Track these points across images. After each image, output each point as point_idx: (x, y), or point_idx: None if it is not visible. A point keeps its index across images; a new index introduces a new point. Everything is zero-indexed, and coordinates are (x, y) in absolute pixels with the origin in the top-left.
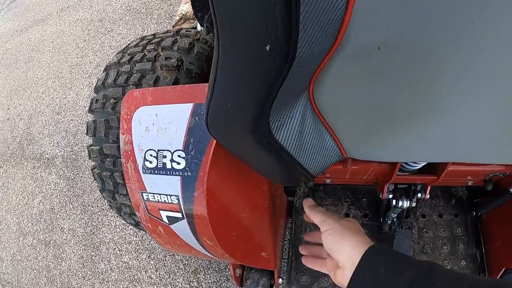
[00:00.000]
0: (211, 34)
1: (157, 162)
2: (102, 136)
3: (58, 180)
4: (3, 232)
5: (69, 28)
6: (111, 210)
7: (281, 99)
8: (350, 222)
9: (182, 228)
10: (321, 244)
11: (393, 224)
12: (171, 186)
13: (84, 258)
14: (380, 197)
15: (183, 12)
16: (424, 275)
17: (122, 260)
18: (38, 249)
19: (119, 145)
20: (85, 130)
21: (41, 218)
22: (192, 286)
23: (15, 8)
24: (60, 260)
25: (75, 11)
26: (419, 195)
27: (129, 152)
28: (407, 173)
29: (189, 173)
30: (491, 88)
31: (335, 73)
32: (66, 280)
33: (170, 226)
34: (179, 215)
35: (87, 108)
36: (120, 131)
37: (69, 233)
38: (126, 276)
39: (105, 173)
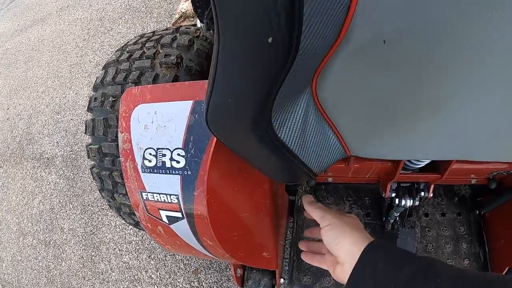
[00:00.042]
0: (211, 31)
1: (157, 160)
2: (101, 135)
3: (58, 180)
4: (3, 232)
5: (68, 28)
6: (111, 210)
7: (284, 95)
8: (350, 217)
9: (182, 228)
10: (321, 240)
11: (396, 223)
12: (170, 185)
13: (84, 258)
14: (383, 195)
15: (183, 10)
16: (424, 270)
17: (122, 260)
18: (38, 249)
19: (118, 144)
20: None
21: (41, 218)
22: (192, 286)
23: (14, 8)
24: (60, 260)
25: (75, 10)
26: (422, 193)
27: (128, 151)
28: (410, 172)
29: (189, 172)
30: (497, 84)
31: (339, 68)
32: (66, 280)
33: (170, 226)
34: (179, 214)
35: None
36: (119, 129)
37: (69, 233)
38: (126, 276)
39: (104, 173)
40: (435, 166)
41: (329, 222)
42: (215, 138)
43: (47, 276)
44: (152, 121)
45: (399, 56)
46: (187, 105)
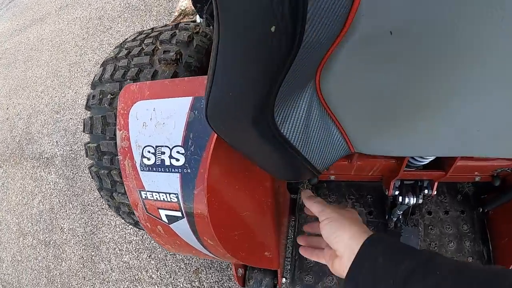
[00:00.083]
0: (211, 27)
1: (155, 158)
2: (99, 133)
3: (57, 180)
4: (3, 232)
5: (67, 27)
6: (110, 209)
7: (286, 88)
8: (349, 211)
9: (182, 228)
10: (319, 235)
11: (399, 222)
12: (170, 183)
13: (84, 258)
14: (386, 193)
15: (182, 8)
16: (423, 265)
17: (122, 260)
18: (38, 250)
19: (116, 142)
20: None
21: (41, 218)
22: (193, 286)
23: (13, 8)
24: (60, 260)
25: (74, 9)
26: (426, 191)
27: (126, 149)
28: (413, 169)
29: (189, 170)
30: (503, 79)
31: (343, 61)
32: (67, 281)
33: (170, 225)
34: (178, 214)
35: None
36: (117, 127)
37: (69, 233)
38: (126, 276)
39: (102, 171)
40: (439, 163)
41: (328, 216)
42: (216, 135)
43: (47, 276)
44: (151, 118)
45: (406, 48)
46: (187, 101)
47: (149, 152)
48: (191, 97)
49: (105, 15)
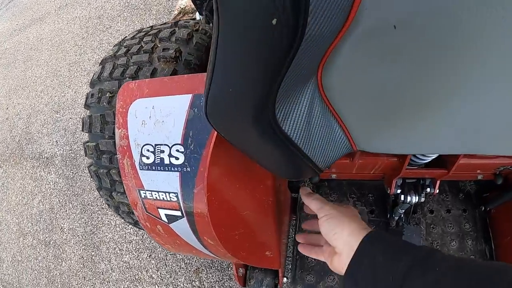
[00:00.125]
0: (211, 24)
1: (155, 157)
2: (98, 132)
3: (57, 179)
4: (3, 232)
5: (67, 26)
6: (109, 209)
7: (288, 84)
8: (347, 208)
9: (182, 227)
10: (318, 232)
11: (401, 220)
12: (169, 182)
13: (85, 258)
14: (388, 192)
15: (182, 6)
16: (422, 261)
17: (122, 259)
18: (38, 250)
19: (115, 141)
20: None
21: (40, 218)
22: (194, 286)
23: (13, 8)
24: (60, 260)
25: (73, 8)
26: (428, 189)
27: (125, 148)
28: (415, 167)
29: (189, 169)
30: (510, 74)
31: (346, 55)
32: (67, 281)
33: (169, 225)
34: (178, 213)
35: None
36: (116, 125)
37: (69, 233)
38: (127, 276)
39: (101, 171)
40: (441, 162)
41: (327, 213)
42: (216, 133)
43: (47, 276)
44: (150, 116)
45: (409, 42)
46: (186, 99)
47: (148, 150)
48: (191, 95)
49: (105, 14)
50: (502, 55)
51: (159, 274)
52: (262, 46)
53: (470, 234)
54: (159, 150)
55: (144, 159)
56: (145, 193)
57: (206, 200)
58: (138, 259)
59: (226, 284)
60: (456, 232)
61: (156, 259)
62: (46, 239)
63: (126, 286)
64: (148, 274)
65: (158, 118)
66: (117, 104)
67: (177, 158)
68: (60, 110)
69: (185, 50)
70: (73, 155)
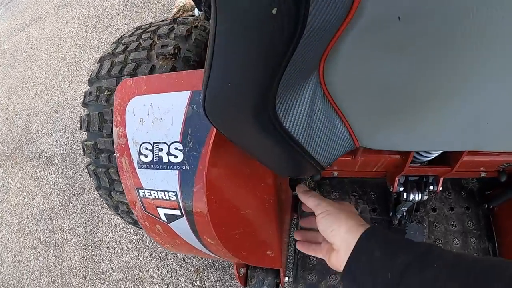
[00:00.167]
0: (210, 20)
1: (153, 155)
2: (96, 130)
3: (57, 179)
4: (3, 233)
5: (66, 26)
6: (109, 208)
7: (289, 78)
8: (345, 205)
9: (181, 227)
10: (316, 230)
11: (403, 219)
12: (168, 181)
13: (85, 258)
14: (391, 190)
15: (181, 4)
16: (420, 257)
17: (123, 259)
18: (38, 250)
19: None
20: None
21: (41, 218)
22: (194, 285)
23: (12, 8)
24: (61, 260)
25: (73, 8)
26: (431, 187)
27: (123, 146)
28: (418, 165)
29: (188, 167)
30: None
31: (348, 49)
32: (67, 281)
33: (169, 224)
34: (177, 212)
35: None
36: (114, 123)
37: (69, 233)
38: (127, 275)
39: (100, 170)
40: (445, 159)
41: (324, 210)
42: (215, 130)
43: (48, 276)
44: (148, 114)
45: (415, 34)
46: (185, 95)
47: (146, 149)
48: (189, 91)
49: (104, 13)
50: (510, 49)
51: (159, 273)
52: (262, 37)
53: (473, 232)
54: (158, 148)
55: (143, 158)
56: (144, 192)
57: (206, 199)
58: (139, 258)
59: (227, 284)
60: (459, 230)
61: (156, 258)
62: (47, 239)
63: (126, 286)
64: (149, 273)
65: (156, 116)
66: (115, 102)
67: (175, 156)
68: (60, 110)
69: (184, 47)
70: (73, 154)
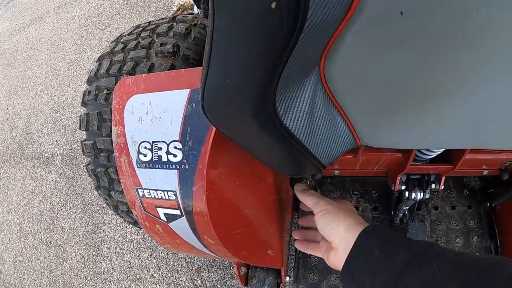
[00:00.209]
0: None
1: (152, 155)
2: (95, 129)
3: (58, 179)
4: (4, 233)
5: (66, 25)
6: (108, 208)
7: (289, 75)
8: (343, 203)
9: (181, 226)
10: (315, 228)
11: (405, 217)
12: (167, 180)
13: (86, 258)
14: (392, 188)
15: (181, 2)
16: (419, 256)
17: (123, 259)
18: (39, 250)
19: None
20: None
21: (41, 218)
22: (195, 285)
23: (12, 8)
24: (61, 260)
25: (72, 7)
26: (433, 186)
27: (122, 145)
28: (420, 163)
29: (187, 166)
30: None
31: (350, 45)
32: (68, 281)
33: (169, 224)
34: (177, 212)
35: None
36: (112, 122)
37: (70, 233)
38: (128, 275)
39: (99, 169)
40: (447, 157)
41: (323, 208)
42: (214, 129)
43: (49, 276)
44: (147, 113)
45: (417, 30)
46: (184, 94)
47: (145, 148)
48: (188, 90)
49: (104, 13)
50: (510, 48)
51: (160, 273)
52: (260, 33)
53: (475, 231)
54: (157, 147)
55: (142, 157)
56: (143, 192)
57: (206, 199)
58: (139, 258)
59: (228, 283)
60: (461, 228)
61: (157, 258)
62: (47, 239)
63: (127, 286)
64: (150, 273)
65: (155, 114)
66: (113, 101)
67: (175, 156)
68: (60, 109)
69: (183, 45)
70: (73, 154)
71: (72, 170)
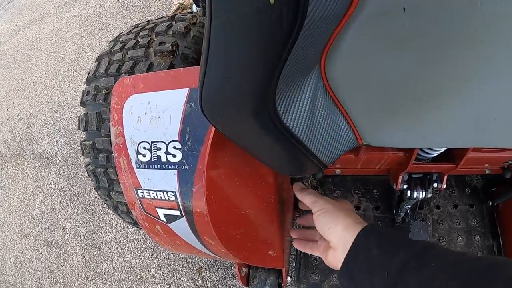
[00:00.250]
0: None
1: (151, 155)
2: (94, 130)
3: (58, 179)
4: (5, 234)
5: (66, 25)
6: (108, 209)
7: (289, 73)
8: (342, 202)
9: (181, 227)
10: (313, 227)
11: (407, 217)
12: (167, 181)
13: (87, 258)
14: (394, 187)
15: (180, 1)
16: (419, 256)
17: (124, 259)
18: (40, 250)
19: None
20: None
21: (42, 218)
22: (196, 285)
23: (12, 9)
24: (62, 261)
25: (72, 7)
26: (435, 185)
27: (121, 146)
28: (422, 162)
29: (186, 166)
30: None
31: (351, 42)
32: (69, 281)
33: (169, 225)
34: (177, 212)
35: None
36: (111, 122)
37: (70, 233)
38: (129, 275)
39: (98, 170)
40: (449, 156)
41: (321, 207)
42: (214, 128)
43: (50, 277)
44: (146, 112)
45: (420, 26)
46: (183, 93)
47: (144, 148)
48: (187, 89)
49: (103, 12)
50: None
51: (161, 273)
52: (259, 29)
53: (477, 230)
54: (156, 148)
55: (141, 157)
56: (143, 193)
57: (205, 199)
58: (140, 258)
59: (229, 283)
60: (463, 228)
61: (158, 258)
62: (48, 239)
63: (128, 286)
64: (151, 273)
65: (154, 114)
66: (112, 101)
67: (174, 156)
68: (60, 110)
69: (182, 44)
70: (73, 154)
71: (72, 171)
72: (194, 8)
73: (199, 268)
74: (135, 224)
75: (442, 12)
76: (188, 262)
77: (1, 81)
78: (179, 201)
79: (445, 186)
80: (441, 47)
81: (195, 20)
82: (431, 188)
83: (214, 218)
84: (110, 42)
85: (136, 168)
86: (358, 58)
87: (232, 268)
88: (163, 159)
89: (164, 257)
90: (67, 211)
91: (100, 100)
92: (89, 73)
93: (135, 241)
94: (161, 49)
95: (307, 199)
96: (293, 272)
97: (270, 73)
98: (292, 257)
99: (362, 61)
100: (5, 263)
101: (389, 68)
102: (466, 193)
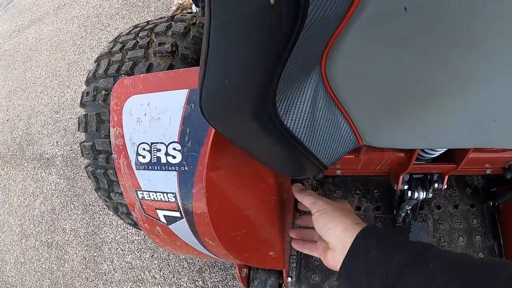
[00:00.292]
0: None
1: (151, 156)
2: (94, 131)
3: (58, 180)
4: (6, 234)
5: (66, 26)
6: (108, 210)
7: (289, 74)
8: (341, 203)
9: (181, 228)
10: (312, 228)
11: (407, 217)
12: (167, 182)
13: (87, 259)
14: (395, 188)
15: (180, 2)
16: (417, 257)
17: (125, 260)
18: (40, 251)
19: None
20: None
21: (42, 219)
22: (197, 286)
23: (12, 9)
24: (62, 262)
25: (72, 8)
26: (436, 185)
27: (121, 147)
28: (423, 162)
29: (186, 168)
30: None
31: (352, 42)
32: (70, 282)
33: (169, 226)
34: (177, 214)
35: None
36: (110, 123)
37: (71, 234)
38: (129, 276)
39: (98, 171)
40: (450, 156)
41: (320, 208)
42: (214, 129)
43: (50, 278)
44: (145, 113)
45: (421, 27)
46: (182, 94)
47: (144, 149)
48: (187, 90)
49: (103, 13)
50: None
51: (161, 274)
52: (259, 29)
53: (478, 230)
54: (156, 149)
55: (140, 158)
56: (143, 194)
57: (206, 200)
58: (141, 259)
59: (229, 284)
60: (464, 228)
61: (158, 259)
62: (49, 240)
63: (129, 287)
64: (151, 274)
65: (154, 115)
66: (111, 102)
67: (174, 157)
68: (60, 110)
69: (182, 44)
70: (73, 155)
71: (72, 171)
72: (194, 9)
73: (199, 269)
74: (135, 225)
75: (443, 12)
76: (189, 263)
77: (1, 81)
78: (179, 203)
79: (445, 186)
80: (443, 47)
81: (194, 20)
82: (431, 188)
83: (214, 219)
84: (110, 42)
85: (136, 169)
86: (359, 59)
87: (233, 269)
88: (163, 160)
89: (165, 258)
90: (67, 212)
91: (100, 101)
92: (88, 74)
93: (136, 241)
94: (161, 50)
95: (306, 200)
96: (294, 272)
97: (270, 74)
98: (293, 257)
99: (363, 61)
100: (5, 264)
101: (390, 69)
102: (466, 193)
